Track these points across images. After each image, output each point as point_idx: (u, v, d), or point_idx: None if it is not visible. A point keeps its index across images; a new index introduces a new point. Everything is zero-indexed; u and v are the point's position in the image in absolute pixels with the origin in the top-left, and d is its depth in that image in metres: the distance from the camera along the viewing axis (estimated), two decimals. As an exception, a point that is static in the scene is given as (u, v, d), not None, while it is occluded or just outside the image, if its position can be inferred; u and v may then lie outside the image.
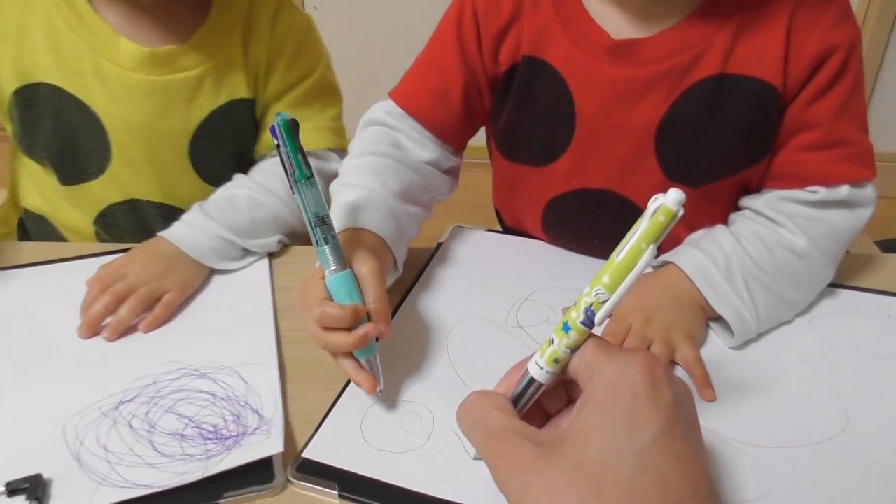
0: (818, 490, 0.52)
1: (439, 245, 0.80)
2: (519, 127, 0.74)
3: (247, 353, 0.65)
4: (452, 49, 0.73)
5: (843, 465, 0.54)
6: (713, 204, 0.73)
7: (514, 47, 0.71)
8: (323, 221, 0.59)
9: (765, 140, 0.69)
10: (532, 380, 0.43)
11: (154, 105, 0.81)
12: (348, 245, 0.62)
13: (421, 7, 2.09)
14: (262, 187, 0.80)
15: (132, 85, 0.80)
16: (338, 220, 0.66)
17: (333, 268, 0.59)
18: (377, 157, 0.73)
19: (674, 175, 0.70)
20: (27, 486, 0.52)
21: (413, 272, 0.75)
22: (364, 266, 0.60)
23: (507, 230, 0.87)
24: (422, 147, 0.76)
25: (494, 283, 0.74)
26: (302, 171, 0.58)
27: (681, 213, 0.38)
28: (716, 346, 0.66)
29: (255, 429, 0.57)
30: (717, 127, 0.68)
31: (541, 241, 0.81)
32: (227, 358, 0.65)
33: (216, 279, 0.76)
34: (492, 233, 0.84)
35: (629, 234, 0.39)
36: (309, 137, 0.83)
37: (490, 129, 0.81)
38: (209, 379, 0.63)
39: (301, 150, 0.59)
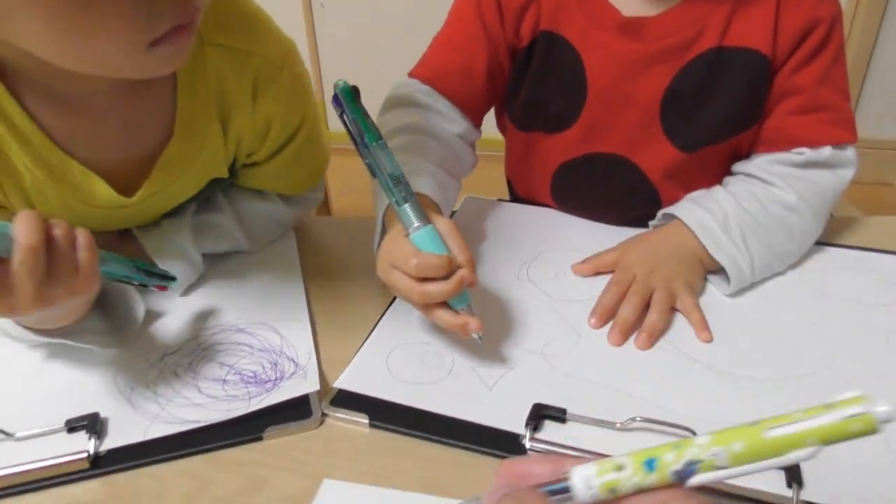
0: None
1: (453, 214, 0.85)
2: (536, 98, 0.79)
3: (280, 310, 0.71)
4: (474, 27, 0.77)
5: (829, 397, 0.58)
6: (708, 167, 0.78)
7: (533, 23, 0.76)
8: (399, 181, 0.60)
9: (756, 106, 0.74)
10: (569, 490, 0.35)
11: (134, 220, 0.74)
12: None
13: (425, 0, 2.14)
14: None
15: (108, 219, 0.71)
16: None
17: (416, 224, 0.60)
18: (413, 135, 0.76)
19: (676, 141, 0.76)
20: (86, 423, 0.58)
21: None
22: (441, 222, 0.61)
23: (518, 200, 0.92)
24: (450, 122, 0.80)
25: (505, 246, 0.79)
26: (372, 135, 0.60)
27: (882, 428, 0.30)
28: (713, 296, 0.71)
29: (292, 373, 0.63)
30: (716, 95, 0.73)
31: (548, 208, 0.87)
32: (262, 315, 0.70)
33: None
34: (502, 202, 0.89)
35: (794, 416, 0.32)
36: (300, 185, 0.82)
37: (504, 102, 0.85)
38: (247, 333, 0.68)
39: (367, 114, 0.60)
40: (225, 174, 0.74)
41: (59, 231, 0.52)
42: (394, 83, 0.82)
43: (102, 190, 0.65)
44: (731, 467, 0.33)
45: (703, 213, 0.72)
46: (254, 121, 0.71)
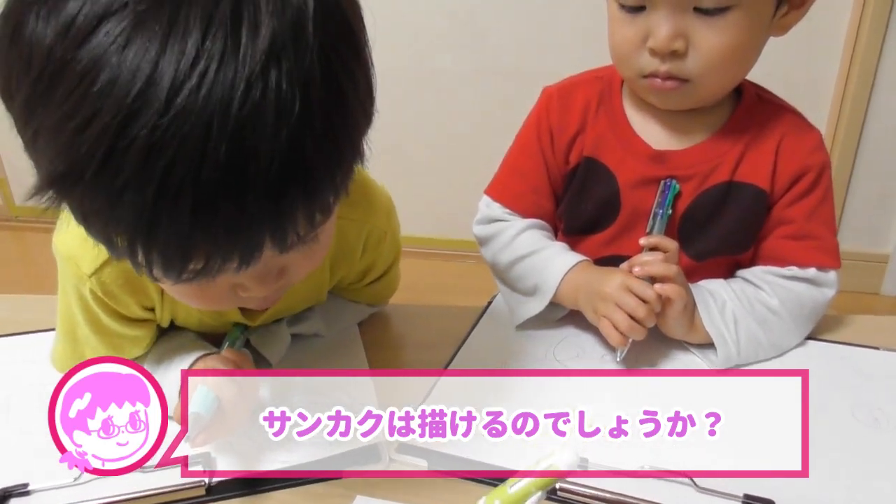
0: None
1: (489, 303, 1.01)
2: (577, 208, 0.96)
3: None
4: (537, 158, 0.96)
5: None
6: (713, 273, 0.94)
7: (579, 151, 0.93)
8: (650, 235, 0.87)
9: (754, 231, 0.91)
10: None
11: None
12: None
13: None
14: None
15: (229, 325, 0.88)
16: (570, 257, 0.91)
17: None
18: (533, 231, 0.96)
19: (688, 251, 0.91)
20: (202, 459, 0.71)
21: (469, 323, 0.97)
22: None
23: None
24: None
25: (535, 330, 0.94)
26: (662, 224, 0.87)
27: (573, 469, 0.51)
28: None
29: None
30: (725, 217, 0.90)
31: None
32: (334, 380, 0.85)
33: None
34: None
35: (520, 478, 0.50)
36: (384, 298, 1.01)
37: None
38: (322, 393, 0.82)
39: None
40: (324, 300, 0.93)
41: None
42: (481, 202, 1.01)
43: (234, 313, 0.84)
44: None
45: (705, 293, 0.88)
46: (358, 267, 0.89)
